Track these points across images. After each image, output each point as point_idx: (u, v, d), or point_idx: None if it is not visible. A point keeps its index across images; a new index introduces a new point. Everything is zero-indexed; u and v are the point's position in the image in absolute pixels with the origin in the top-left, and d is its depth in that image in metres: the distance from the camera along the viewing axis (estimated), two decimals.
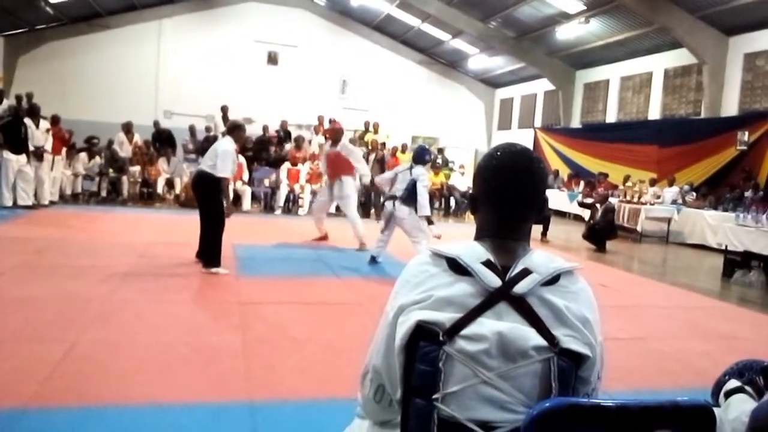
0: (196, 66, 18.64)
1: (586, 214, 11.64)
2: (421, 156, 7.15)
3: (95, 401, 2.97)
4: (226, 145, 6.20)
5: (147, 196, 12.58)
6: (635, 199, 12.41)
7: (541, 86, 19.28)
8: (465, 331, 1.14)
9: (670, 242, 11.74)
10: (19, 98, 11.74)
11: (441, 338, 1.14)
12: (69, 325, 4.09)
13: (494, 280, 1.18)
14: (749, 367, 1.46)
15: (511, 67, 19.46)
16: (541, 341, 1.14)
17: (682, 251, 10.92)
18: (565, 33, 15.20)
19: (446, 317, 1.15)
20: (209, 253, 6.13)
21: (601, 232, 10.20)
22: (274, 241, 8.46)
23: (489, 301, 1.16)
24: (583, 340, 1.17)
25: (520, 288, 1.17)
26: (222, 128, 12.96)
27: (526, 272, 1.19)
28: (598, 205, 10.65)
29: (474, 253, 1.22)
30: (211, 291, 5.59)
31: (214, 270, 6.06)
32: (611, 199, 11.38)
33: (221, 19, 19.09)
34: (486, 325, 1.14)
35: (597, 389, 1.24)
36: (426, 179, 7.07)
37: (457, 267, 1.20)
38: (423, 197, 6.86)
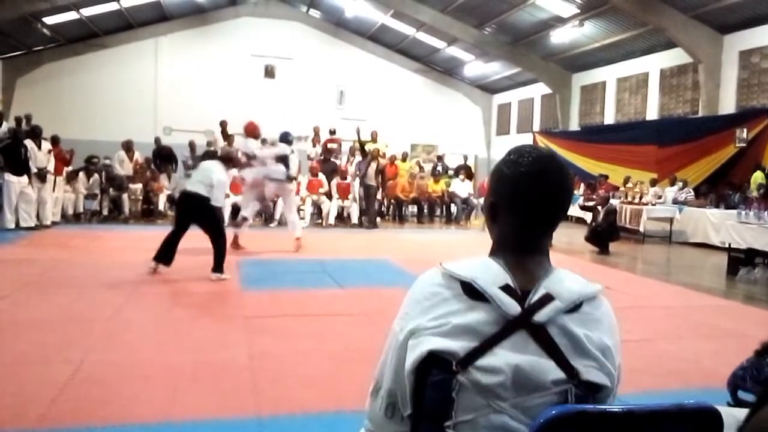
0: (194, 82, 18.74)
1: (587, 216, 11.65)
2: (285, 137, 9.04)
3: (103, 422, 2.97)
4: (221, 174, 6.78)
5: (148, 213, 12.60)
6: (636, 200, 12.41)
7: (538, 90, 19.34)
8: (480, 362, 1.07)
9: (673, 242, 11.72)
10: (18, 120, 11.78)
11: (455, 368, 1.08)
12: (74, 345, 4.09)
13: (513, 307, 1.10)
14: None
15: (508, 72, 19.52)
16: (560, 374, 1.08)
17: (685, 251, 10.90)
18: (559, 37, 15.25)
19: (461, 346, 1.08)
20: (220, 261, 6.61)
21: (604, 234, 10.19)
22: (277, 254, 8.47)
23: (506, 329, 1.10)
24: (603, 370, 1.12)
25: (540, 317, 1.10)
26: (221, 143, 12.99)
27: (547, 298, 1.11)
28: (599, 208, 10.65)
29: (491, 275, 1.14)
30: (216, 306, 5.60)
31: (224, 276, 6.54)
32: (612, 201, 11.39)
33: (217, 34, 19.21)
34: (502, 357, 1.08)
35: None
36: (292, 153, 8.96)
37: (472, 291, 1.12)
38: (294, 163, 8.97)
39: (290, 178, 8.90)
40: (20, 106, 15.31)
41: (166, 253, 6.66)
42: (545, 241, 1.22)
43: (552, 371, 1.08)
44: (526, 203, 1.18)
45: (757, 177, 11.06)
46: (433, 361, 1.10)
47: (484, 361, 1.07)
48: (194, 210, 6.63)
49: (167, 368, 3.76)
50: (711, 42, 12.81)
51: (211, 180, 6.57)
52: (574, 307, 1.13)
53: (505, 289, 1.12)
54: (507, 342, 1.09)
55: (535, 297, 1.12)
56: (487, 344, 1.08)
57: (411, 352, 1.13)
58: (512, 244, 1.20)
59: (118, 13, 17.08)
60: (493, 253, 1.23)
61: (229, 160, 7.23)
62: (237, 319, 5.04)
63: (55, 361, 3.77)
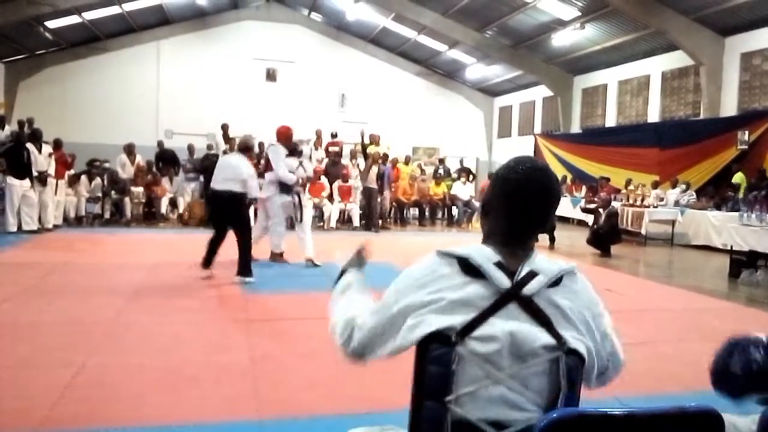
0: (195, 85, 18.78)
1: (589, 219, 11.63)
2: (295, 147, 8.26)
3: (105, 425, 2.97)
4: (250, 167, 6.68)
5: (150, 216, 12.60)
6: (638, 203, 12.40)
7: (540, 93, 19.35)
8: (476, 333, 1.18)
9: (674, 244, 11.71)
10: (21, 123, 11.82)
11: (453, 339, 1.17)
12: (76, 348, 4.09)
13: (505, 282, 1.22)
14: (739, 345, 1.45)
15: (509, 75, 19.54)
16: (550, 340, 1.18)
17: (687, 253, 10.88)
18: (561, 39, 15.26)
19: (458, 320, 1.19)
20: (246, 263, 6.55)
21: (606, 237, 10.18)
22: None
23: (500, 301, 1.20)
24: (584, 342, 1.23)
25: (528, 289, 1.22)
26: (223, 146, 13.00)
27: (532, 274, 1.24)
28: (601, 210, 10.63)
29: (484, 254, 1.27)
30: (218, 309, 5.60)
31: (248, 279, 6.48)
32: (614, 204, 11.37)
33: (219, 38, 19.25)
34: (497, 326, 1.18)
35: (609, 372, 1.36)
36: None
37: (468, 268, 1.25)
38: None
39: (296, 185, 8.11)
40: (22, 110, 15.36)
41: (207, 257, 6.66)
42: (530, 240, 1.37)
43: (542, 337, 1.19)
44: (513, 207, 1.34)
45: (738, 178, 11.13)
46: (433, 336, 1.20)
47: (481, 330, 1.18)
48: (228, 209, 6.56)
49: (169, 371, 3.76)
50: (712, 44, 12.81)
51: (243, 175, 6.49)
52: (556, 281, 1.26)
53: (498, 265, 1.25)
54: (501, 312, 1.20)
55: (521, 274, 1.24)
56: (483, 315, 1.19)
57: (411, 332, 1.24)
58: (500, 237, 1.34)
59: (120, 17, 17.12)
60: (484, 242, 1.38)
61: (249, 150, 7.05)
62: (239, 322, 5.03)
63: (56, 364, 3.77)
